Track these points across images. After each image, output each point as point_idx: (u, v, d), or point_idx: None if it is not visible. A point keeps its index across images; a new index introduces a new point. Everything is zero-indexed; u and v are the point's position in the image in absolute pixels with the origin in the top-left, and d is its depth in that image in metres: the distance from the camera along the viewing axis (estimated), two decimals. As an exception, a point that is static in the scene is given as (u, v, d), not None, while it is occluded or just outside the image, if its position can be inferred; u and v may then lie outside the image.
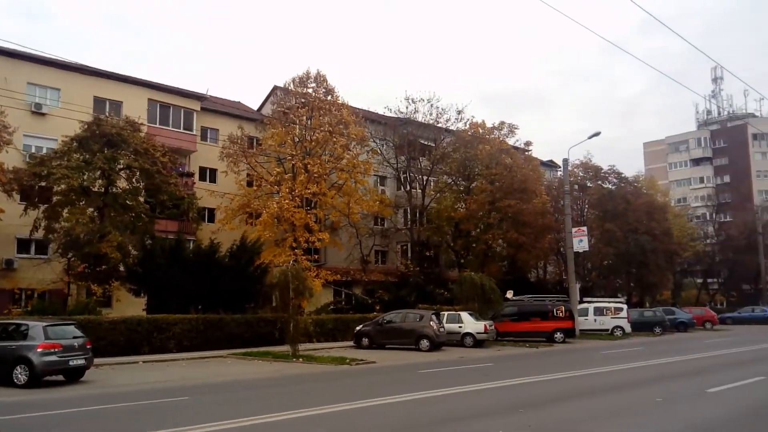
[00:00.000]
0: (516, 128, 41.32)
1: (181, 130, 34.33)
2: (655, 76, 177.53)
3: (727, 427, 8.76)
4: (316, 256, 35.51)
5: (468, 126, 39.93)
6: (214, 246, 26.64)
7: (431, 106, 38.36)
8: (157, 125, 33.04)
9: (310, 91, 33.70)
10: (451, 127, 39.56)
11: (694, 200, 77.87)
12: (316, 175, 31.66)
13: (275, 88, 39.32)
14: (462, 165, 39.02)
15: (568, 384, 13.84)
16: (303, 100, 33.33)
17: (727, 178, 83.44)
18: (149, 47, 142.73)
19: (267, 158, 33.67)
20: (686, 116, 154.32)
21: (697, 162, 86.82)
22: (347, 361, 18.85)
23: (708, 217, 68.50)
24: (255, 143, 35.25)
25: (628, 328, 32.76)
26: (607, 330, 32.65)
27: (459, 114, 39.28)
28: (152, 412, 10.48)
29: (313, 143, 32.69)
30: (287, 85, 34.40)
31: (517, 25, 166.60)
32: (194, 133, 34.97)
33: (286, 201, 30.81)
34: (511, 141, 41.20)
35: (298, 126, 32.94)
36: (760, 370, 15.61)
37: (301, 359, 19.64)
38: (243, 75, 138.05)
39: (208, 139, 36.10)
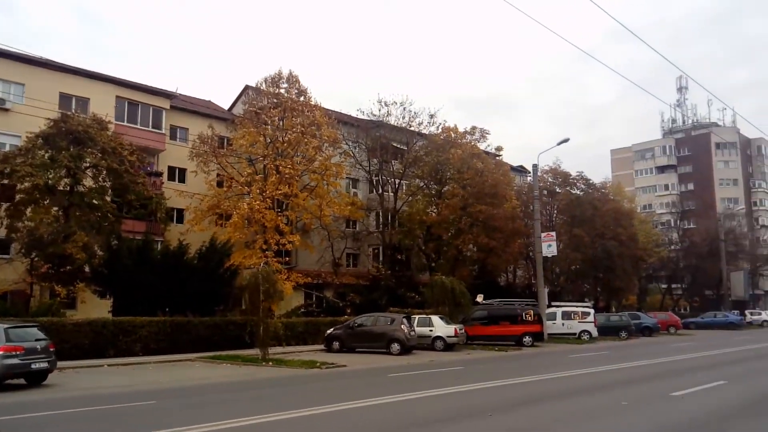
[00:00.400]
0: (487, 133, 41.79)
1: (150, 129, 33.73)
2: (624, 84, 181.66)
3: (691, 430, 8.96)
4: (287, 259, 35.25)
5: (440, 130, 40.16)
6: (183, 247, 26.24)
7: (404, 109, 38.53)
8: (125, 123, 32.39)
9: (282, 91, 33.47)
10: (424, 131, 39.74)
11: (659, 207, 79.76)
12: (287, 176, 31.43)
13: (247, 87, 38.96)
14: (434, 169, 39.24)
15: (537, 387, 13.99)
16: (275, 101, 33.08)
17: (691, 186, 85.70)
18: (119, 44, 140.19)
19: (238, 159, 33.28)
20: (653, 124, 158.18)
21: (662, 169, 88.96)
22: (318, 364, 18.73)
23: (672, 224, 70.21)
24: (225, 143, 34.83)
25: (594, 333, 33.34)
26: (574, 334, 33.16)
27: (431, 118, 39.53)
28: (119, 417, 10.24)
29: (285, 144, 32.44)
30: (259, 85, 34.10)
31: (491, 31, 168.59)
32: (163, 131, 34.41)
33: (257, 202, 30.51)
34: (482, 146, 41.61)
35: (269, 126, 32.66)
36: (721, 374, 16.02)
37: (271, 363, 19.45)
38: (214, 74, 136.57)
39: (178, 138, 35.54)
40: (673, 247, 63.81)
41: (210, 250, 26.82)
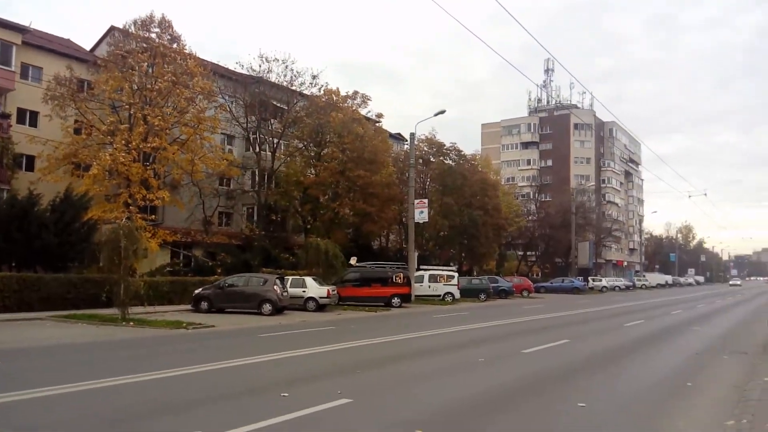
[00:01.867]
0: (369, 99, 41.99)
1: (-4, 65, 29.95)
2: (498, 64, 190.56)
3: (537, 383, 9.88)
4: (153, 217, 33.36)
5: (322, 92, 39.67)
6: (33, 198, 23.97)
7: (286, 67, 37.50)
8: (-35, 56, 28.53)
9: (153, 36, 31.15)
10: (305, 92, 39.04)
11: (521, 180, 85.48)
12: (157, 128, 29.49)
13: (112, 28, 35.69)
14: (314, 131, 38.82)
15: (403, 345, 14.64)
16: (145, 45, 30.72)
17: (550, 162, 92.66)
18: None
19: (100, 105, 30.64)
20: (522, 102, 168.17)
21: (526, 145, 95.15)
22: (184, 325, 18.13)
23: (531, 196, 75.80)
24: (86, 87, 31.87)
25: (457, 294, 35.41)
26: (439, 296, 34.97)
27: (314, 79, 38.87)
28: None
29: (154, 93, 30.31)
30: (127, 27, 31.41)
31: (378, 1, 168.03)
32: (12, 69, 30.61)
33: (122, 154, 28.35)
34: (363, 111, 41.80)
35: (137, 72, 30.31)
36: (565, 333, 17.78)
37: (132, 323, 18.51)
38: (75, 12, 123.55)
39: (30, 78, 31.98)
40: (530, 217, 69.06)
41: (65, 203, 24.78)
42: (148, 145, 29.27)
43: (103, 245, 20.51)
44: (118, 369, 10.08)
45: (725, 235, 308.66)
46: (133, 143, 28.78)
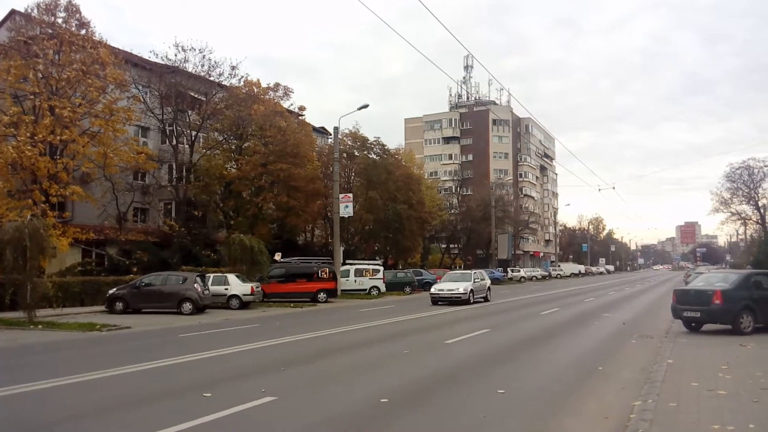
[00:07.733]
0: (291, 91, 41.48)
1: None
2: (414, 60, 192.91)
3: (461, 371, 10.15)
4: (67, 213, 31.44)
5: (242, 83, 38.75)
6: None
7: (203, 57, 36.17)
8: None
9: (59, 21, 29.21)
10: (225, 83, 37.92)
11: (444, 174, 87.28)
12: (66, 119, 27.72)
13: (13, 12, 33.22)
14: (235, 123, 37.84)
15: (328, 341, 14.60)
16: (50, 31, 28.75)
17: (470, 157, 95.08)
18: None
19: (0, 94, 28.44)
20: (443, 98, 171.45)
21: (447, 140, 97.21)
22: (97, 326, 17.27)
23: (453, 190, 77.60)
24: (-17, 75, 29.44)
25: (383, 288, 35.72)
26: (365, 290, 35.15)
27: (233, 70, 37.72)
28: None
29: (62, 82, 28.50)
30: (29, 11, 29.31)
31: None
32: None
33: (27, 147, 26.44)
34: (285, 104, 41.22)
35: (43, 60, 28.36)
36: (485, 323, 18.36)
37: (40, 326, 17.47)
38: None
39: None
40: (453, 211, 70.65)
41: (-39, 199, 22.85)
42: (57, 137, 27.48)
43: (6, 244, 19.15)
44: (24, 375, 9.44)
45: (632, 225, 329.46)
46: (39, 135, 26.97)
